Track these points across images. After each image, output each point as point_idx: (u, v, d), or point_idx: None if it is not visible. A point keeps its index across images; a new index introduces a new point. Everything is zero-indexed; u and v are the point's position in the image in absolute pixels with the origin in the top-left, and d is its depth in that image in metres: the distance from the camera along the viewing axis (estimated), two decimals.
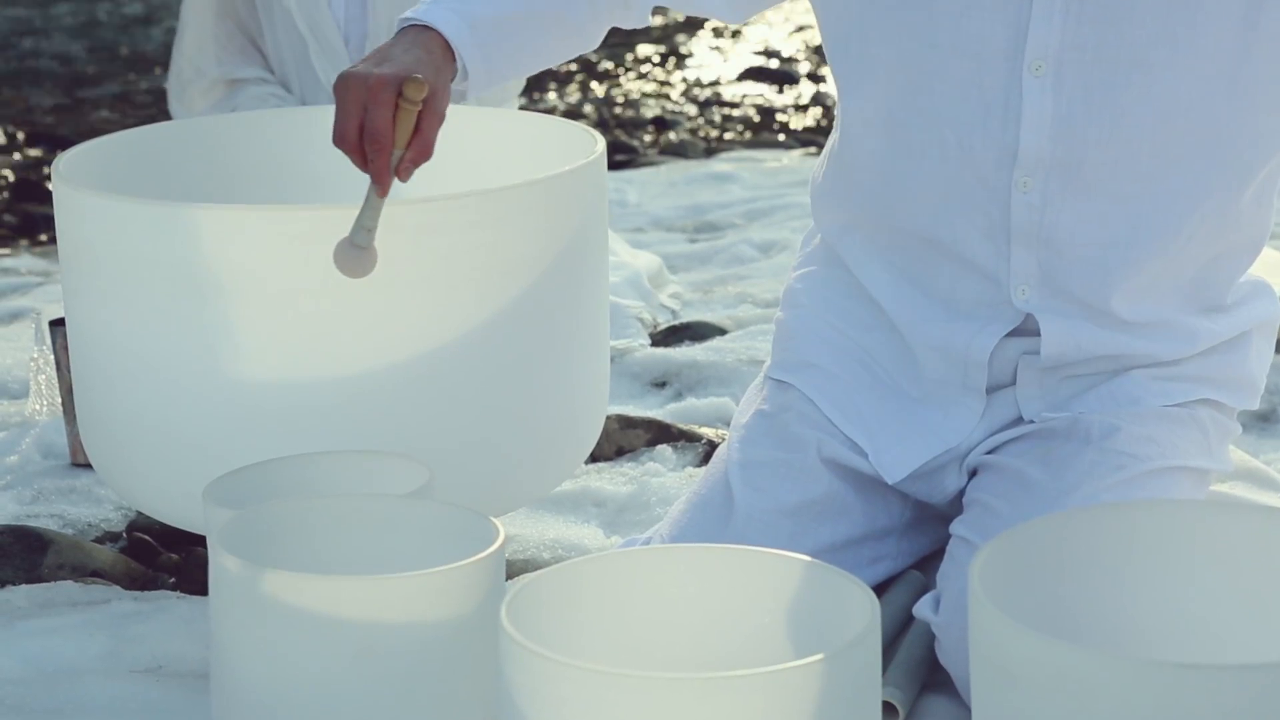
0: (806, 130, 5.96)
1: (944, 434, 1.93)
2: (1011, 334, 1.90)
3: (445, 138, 2.68)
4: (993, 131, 1.83)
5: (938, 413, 1.94)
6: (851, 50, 1.91)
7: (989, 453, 1.92)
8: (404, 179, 1.84)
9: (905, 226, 1.92)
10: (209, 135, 2.64)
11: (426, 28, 1.87)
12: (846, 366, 1.99)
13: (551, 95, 6.69)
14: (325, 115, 2.73)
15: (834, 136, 2.01)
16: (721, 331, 3.33)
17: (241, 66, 3.42)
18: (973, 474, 1.94)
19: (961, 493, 1.95)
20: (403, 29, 1.88)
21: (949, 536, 1.91)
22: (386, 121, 1.78)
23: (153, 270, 2.09)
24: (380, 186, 1.83)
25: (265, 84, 3.41)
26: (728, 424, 2.87)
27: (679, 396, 3.02)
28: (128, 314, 2.12)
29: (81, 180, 2.24)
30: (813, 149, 5.45)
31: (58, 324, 2.73)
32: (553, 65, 2.04)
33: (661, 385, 3.08)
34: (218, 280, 2.05)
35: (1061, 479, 1.83)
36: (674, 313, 3.54)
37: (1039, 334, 1.89)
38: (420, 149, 1.84)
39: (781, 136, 5.76)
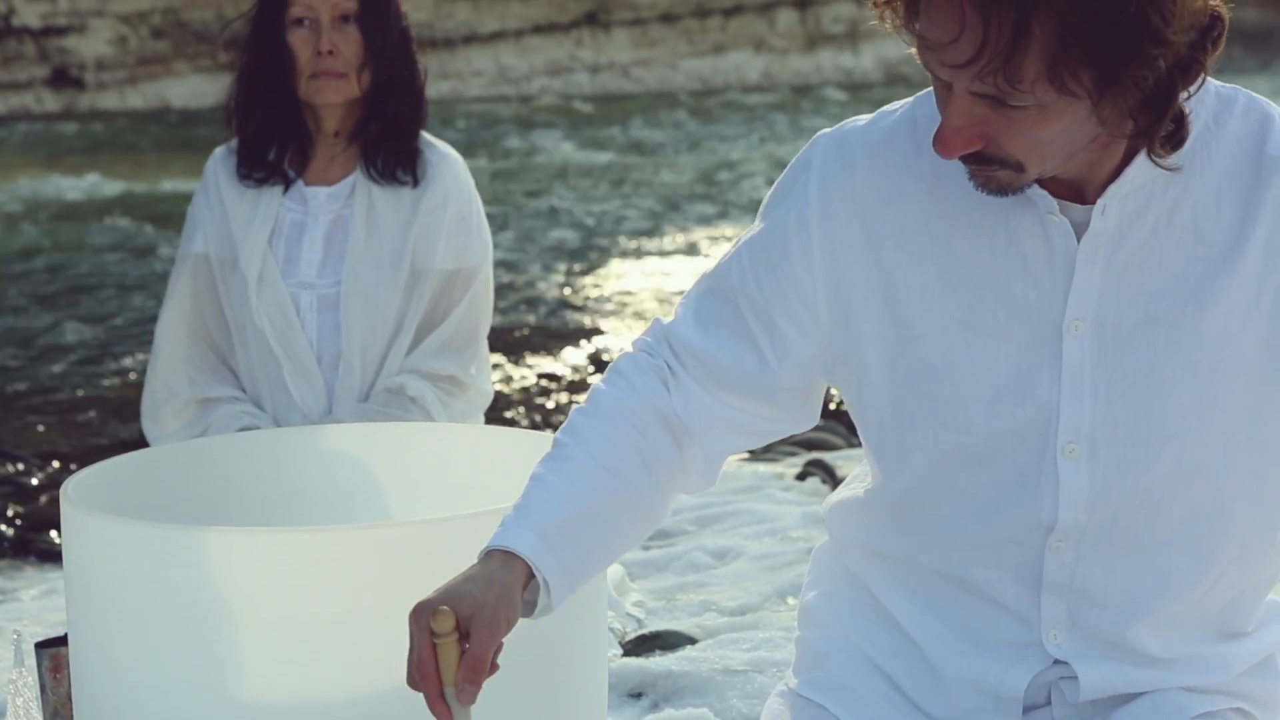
0: None
1: None
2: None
3: (447, 458, 2.76)
4: (1026, 505, 1.85)
5: None
6: (887, 438, 1.91)
7: None
8: (465, 702, 1.73)
9: (934, 566, 1.93)
10: (201, 458, 2.67)
11: (502, 550, 1.81)
12: (876, 688, 1.99)
13: (519, 411, 6.79)
14: (312, 435, 2.82)
15: (861, 480, 2.03)
16: (691, 640, 3.36)
17: (214, 386, 3.48)
18: None
19: None
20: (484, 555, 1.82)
21: None
22: (421, 656, 1.73)
23: (164, 594, 2.09)
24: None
25: (238, 402, 3.47)
26: None
27: (656, 707, 3.04)
28: (137, 638, 2.12)
29: (83, 504, 2.27)
30: (745, 454, 5.54)
31: (44, 645, 2.73)
32: (627, 551, 1.95)
33: (638, 696, 3.10)
34: (228, 604, 2.05)
35: None
36: (639, 621, 3.57)
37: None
38: (469, 670, 1.72)
39: None
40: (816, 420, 1.99)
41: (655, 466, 1.90)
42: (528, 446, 2.51)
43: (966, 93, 1.69)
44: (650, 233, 12.01)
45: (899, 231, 1.85)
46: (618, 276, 10.20)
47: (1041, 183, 1.78)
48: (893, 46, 26.10)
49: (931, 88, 1.80)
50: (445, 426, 3.12)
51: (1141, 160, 1.76)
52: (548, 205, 13.35)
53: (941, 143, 1.72)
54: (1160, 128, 1.70)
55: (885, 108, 1.94)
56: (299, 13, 3.37)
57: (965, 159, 1.75)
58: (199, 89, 20.14)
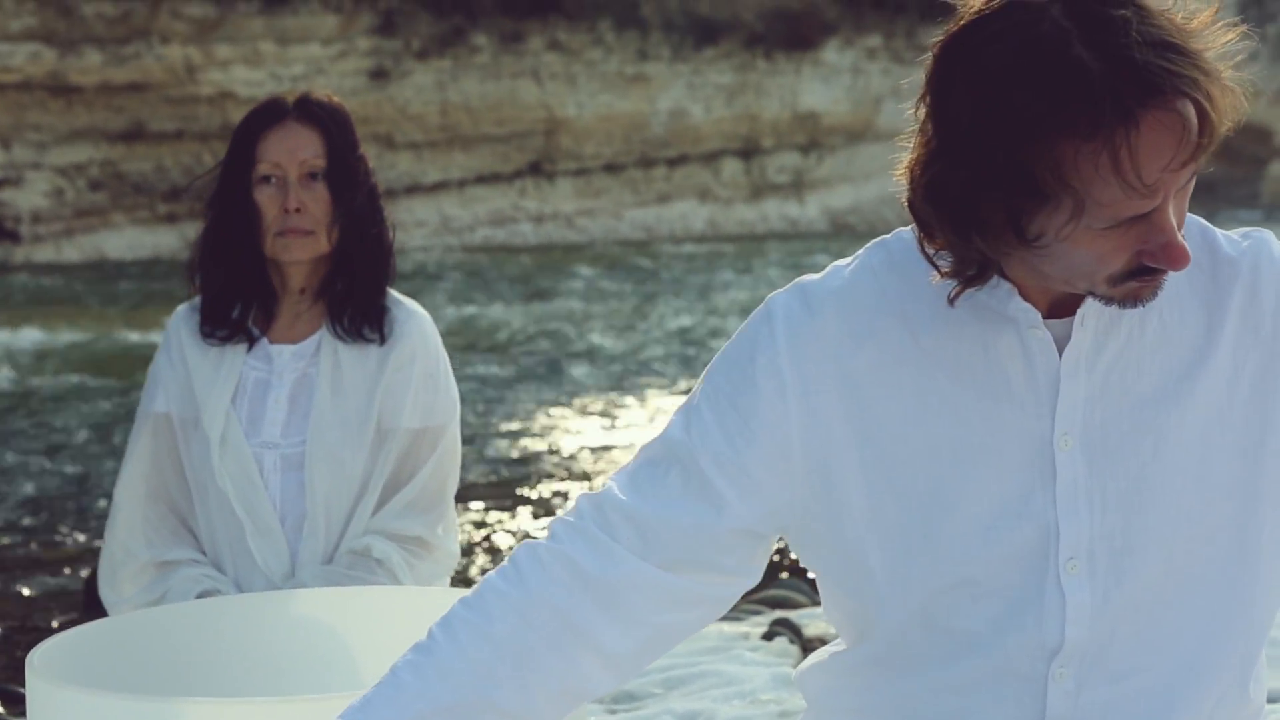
0: None
1: None
2: None
3: (414, 622, 2.67)
4: (1029, 631, 1.83)
5: None
6: (876, 582, 1.87)
7: None
8: None
9: (926, 718, 1.89)
10: (167, 625, 2.63)
11: None
12: None
13: (481, 561, 6.73)
14: (278, 600, 2.77)
15: (835, 644, 1.99)
16: None
17: (172, 548, 3.41)
18: None
19: None
20: None
21: None
22: None
23: None
24: None
25: (197, 565, 3.39)
26: None
27: None
28: None
29: (51, 675, 2.22)
30: None
31: None
32: None
33: None
34: None
35: None
36: None
37: None
38: None
39: None
40: (760, 577, 1.94)
41: (532, 671, 1.82)
42: None
43: (1171, 198, 1.71)
44: (614, 388, 12.00)
45: (875, 368, 1.86)
46: (578, 433, 10.18)
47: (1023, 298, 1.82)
48: (837, 196, 26.37)
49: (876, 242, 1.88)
50: (412, 590, 3.07)
51: None
52: (505, 359, 13.34)
53: (1180, 257, 1.71)
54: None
55: (836, 264, 1.95)
56: (266, 170, 3.35)
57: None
58: (136, 241, 20.07)
